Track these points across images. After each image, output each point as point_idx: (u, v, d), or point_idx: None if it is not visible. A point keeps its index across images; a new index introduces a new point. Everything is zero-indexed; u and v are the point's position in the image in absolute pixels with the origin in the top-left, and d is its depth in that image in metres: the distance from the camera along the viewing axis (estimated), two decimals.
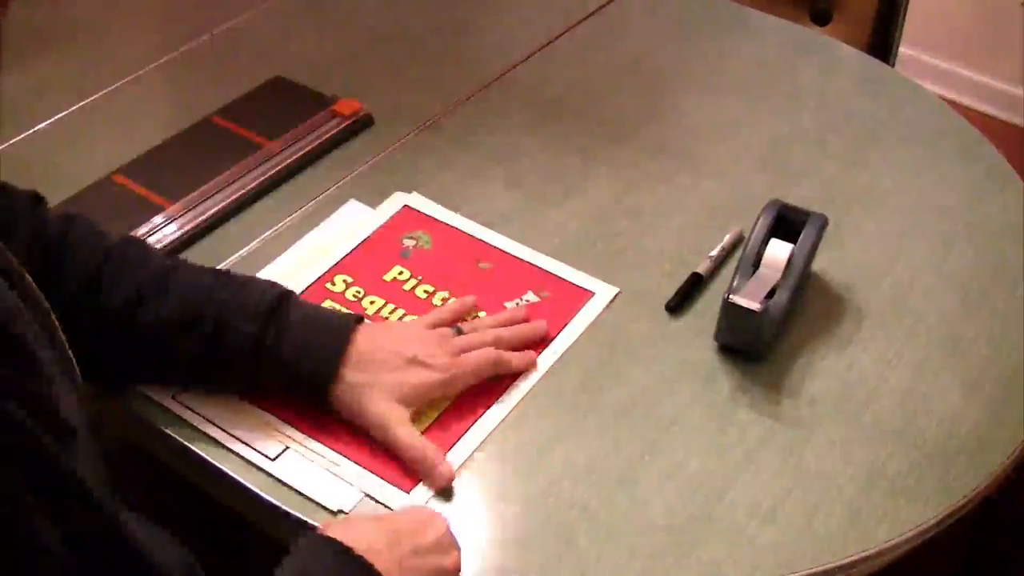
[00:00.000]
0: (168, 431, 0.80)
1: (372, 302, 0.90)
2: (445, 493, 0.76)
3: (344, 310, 0.88)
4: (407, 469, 0.77)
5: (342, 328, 0.80)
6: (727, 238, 0.96)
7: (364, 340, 0.80)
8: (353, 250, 0.95)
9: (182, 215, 0.98)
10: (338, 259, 0.94)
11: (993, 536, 1.17)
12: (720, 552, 0.73)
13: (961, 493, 0.77)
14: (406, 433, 0.77)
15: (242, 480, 0.77)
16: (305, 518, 0.74)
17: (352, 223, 0.98)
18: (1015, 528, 1.17)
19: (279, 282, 0.83)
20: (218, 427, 0.79)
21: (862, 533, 0.74)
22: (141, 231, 0.95)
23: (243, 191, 1.01)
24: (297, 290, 0.88)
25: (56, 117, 1.13)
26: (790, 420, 0.82)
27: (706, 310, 0.90)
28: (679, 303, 0.90)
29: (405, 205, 1.00)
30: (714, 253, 0.94)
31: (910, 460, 0.79)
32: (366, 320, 0.83)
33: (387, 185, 1.03)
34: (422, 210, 1.00)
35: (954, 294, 0.92)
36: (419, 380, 0.79)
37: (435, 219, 0.99)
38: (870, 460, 0.79)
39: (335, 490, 0.76)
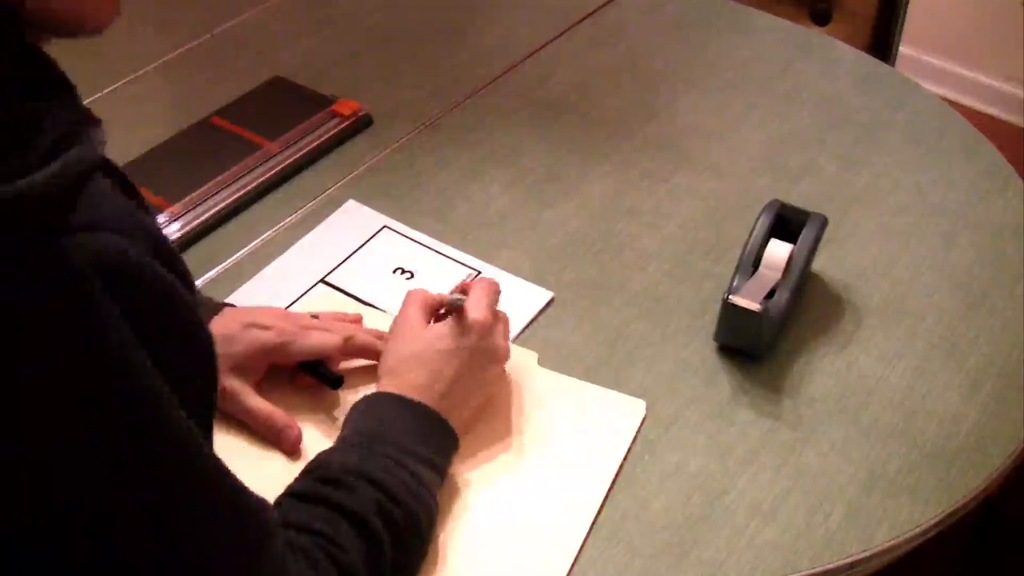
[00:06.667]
0: None
1: None
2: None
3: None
4: None
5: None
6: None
7: (217, 324, 0.79)
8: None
9: (182, 215, 0.98)
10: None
11: (993, 536, 1.17)
12: (720, 552, 0.73)
13: (961, 493, 0.77)
14: (253, 401, 0.78)
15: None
16: None
17: None
18: (1015, 528, 1.17)
19: None
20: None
21: (862, 533, 0.74)
22: None
23: (243, 191, 1.01)
24: None
25: None
26: (790, 420, 0.82)
27: (706, 310, 0.90)
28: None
29: None
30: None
31: (910, 460, 0.79)
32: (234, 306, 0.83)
33: (387, 185, 1.03)
34: None
35: (954, 294, 0.92)
36: (250, 339, 0.79)
37: None
38: (870, 460, 0.79)
39: None
